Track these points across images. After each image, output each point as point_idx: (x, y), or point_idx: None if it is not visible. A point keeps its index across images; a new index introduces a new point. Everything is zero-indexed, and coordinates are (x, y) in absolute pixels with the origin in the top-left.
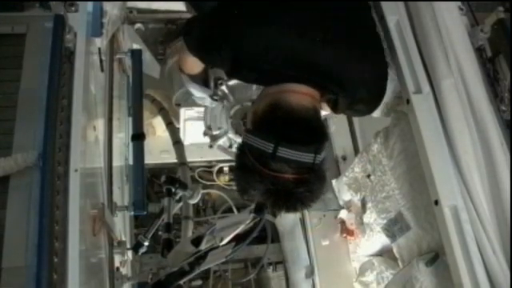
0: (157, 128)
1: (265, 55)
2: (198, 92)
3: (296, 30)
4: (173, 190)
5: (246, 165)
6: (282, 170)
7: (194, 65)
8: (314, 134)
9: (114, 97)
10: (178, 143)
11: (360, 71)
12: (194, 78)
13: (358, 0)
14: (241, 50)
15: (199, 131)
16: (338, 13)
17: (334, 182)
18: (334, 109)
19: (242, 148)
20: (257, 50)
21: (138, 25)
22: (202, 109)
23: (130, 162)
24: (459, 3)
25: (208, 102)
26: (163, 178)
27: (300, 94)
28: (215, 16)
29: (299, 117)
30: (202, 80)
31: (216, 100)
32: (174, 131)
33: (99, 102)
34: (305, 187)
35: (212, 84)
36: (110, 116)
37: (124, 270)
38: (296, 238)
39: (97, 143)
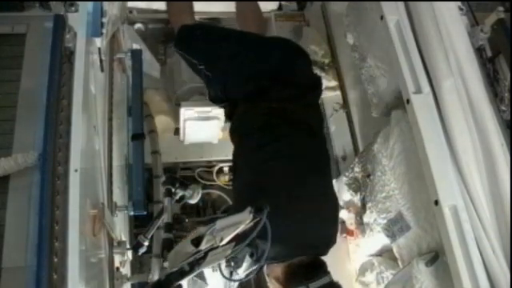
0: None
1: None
2: None
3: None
4: (173, 190)
5: None
6: None
7: None
8: (323, 263)
9: (114, 97)
10: (152, 132)
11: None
12: None
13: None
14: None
15: (199, 131)
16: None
17: (333, 182)
18: None
19: None
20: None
21: (138, 25)
22: (201, 109)
23: (130, 161)
24: (459, 3)
25: None
26: (163, 178)
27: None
28: None
29: (308, 262)
30: None
31: None
32: (150, 122)
33: (99, 102)
34: None
35: None
36: (110, 116)
37: (124, 270)
38: None
39: (97, 143)
